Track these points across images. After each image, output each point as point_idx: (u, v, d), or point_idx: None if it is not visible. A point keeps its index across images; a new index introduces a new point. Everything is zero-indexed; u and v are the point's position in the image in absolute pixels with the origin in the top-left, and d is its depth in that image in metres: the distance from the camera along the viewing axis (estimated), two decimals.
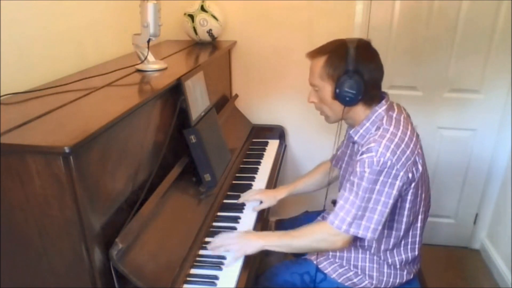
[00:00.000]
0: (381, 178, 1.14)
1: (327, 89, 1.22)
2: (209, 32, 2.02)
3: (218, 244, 1.28)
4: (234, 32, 2.17)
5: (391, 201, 1.16)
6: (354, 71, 1.16)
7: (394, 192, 1.15)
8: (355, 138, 1.27)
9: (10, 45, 1.17)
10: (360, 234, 1.17)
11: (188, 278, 1.18)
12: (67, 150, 0.79)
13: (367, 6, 2.04)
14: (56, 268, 0.93)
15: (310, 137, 2.31)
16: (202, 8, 1.99)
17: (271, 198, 1.56)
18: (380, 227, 1.17)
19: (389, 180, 1.14)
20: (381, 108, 1.23)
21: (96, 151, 0.94)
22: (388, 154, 1.12)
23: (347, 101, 1.19)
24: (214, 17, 2.00)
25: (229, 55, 2.20)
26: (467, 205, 2.34)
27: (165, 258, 1.12)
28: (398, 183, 1.14)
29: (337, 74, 1.18)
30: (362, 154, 1.16)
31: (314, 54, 1.24)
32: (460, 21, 1.99)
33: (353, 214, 1.16)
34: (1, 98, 1.09)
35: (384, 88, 1.27)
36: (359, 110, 1.24)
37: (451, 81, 2.11)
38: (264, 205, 1.55)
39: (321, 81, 1.23)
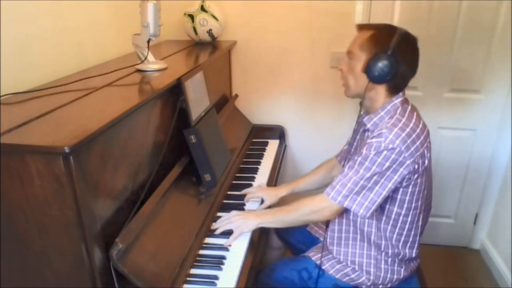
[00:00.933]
0: (387, 164, 1.17)
1: (361, 59, 1.25)
2: (209, 32, 2.02)
3: (219, 224, 1.37)
4: (234, 32, 2.17)
5: (391, 185, 1.19)
6: (391, 55, 1.19)
7: (396, 177, 1.18)
8: (368, 126, 1.29)
9: (11, 45, 1.17)
10: (353, 208, 1.22)
11: (188, 278, 1.18)
12: (67, 150, 0.79)
13: (367, 6, 2.04)
14: (56, 268, 0.93)
15: (310, 137, 2.31)
16: (202, 8, 1.99)
17: (272, 196, 1.58)
18: (374, 207, 1.21)
19: (394, 166, 1.17)
20: (397, 100, 1.26)
21: (96, 151, 0.94)
22: (397, 142, 1.16)
23: (374, 77, 1.22)
24: (214, 17, 2.00)
25: (229, 55, 2.20)
26: (467, 205, 2.34)
27: (165, 258, 1.12)
28: (402, 170, 1.18)
29: (375, 50, 1.21)
30: (372, 138, 1.19)
31: (363, 26, 1.29)
32: (460, 21, 1.99)
33: (349, 188, 1.21)
34: (1, 98, 1.09)
35: None
36: (380, 94, 1.26)
37: (451, 81, 2.11)
38: (266, 204, 1.56)
39: (360, 50, 1.25)
